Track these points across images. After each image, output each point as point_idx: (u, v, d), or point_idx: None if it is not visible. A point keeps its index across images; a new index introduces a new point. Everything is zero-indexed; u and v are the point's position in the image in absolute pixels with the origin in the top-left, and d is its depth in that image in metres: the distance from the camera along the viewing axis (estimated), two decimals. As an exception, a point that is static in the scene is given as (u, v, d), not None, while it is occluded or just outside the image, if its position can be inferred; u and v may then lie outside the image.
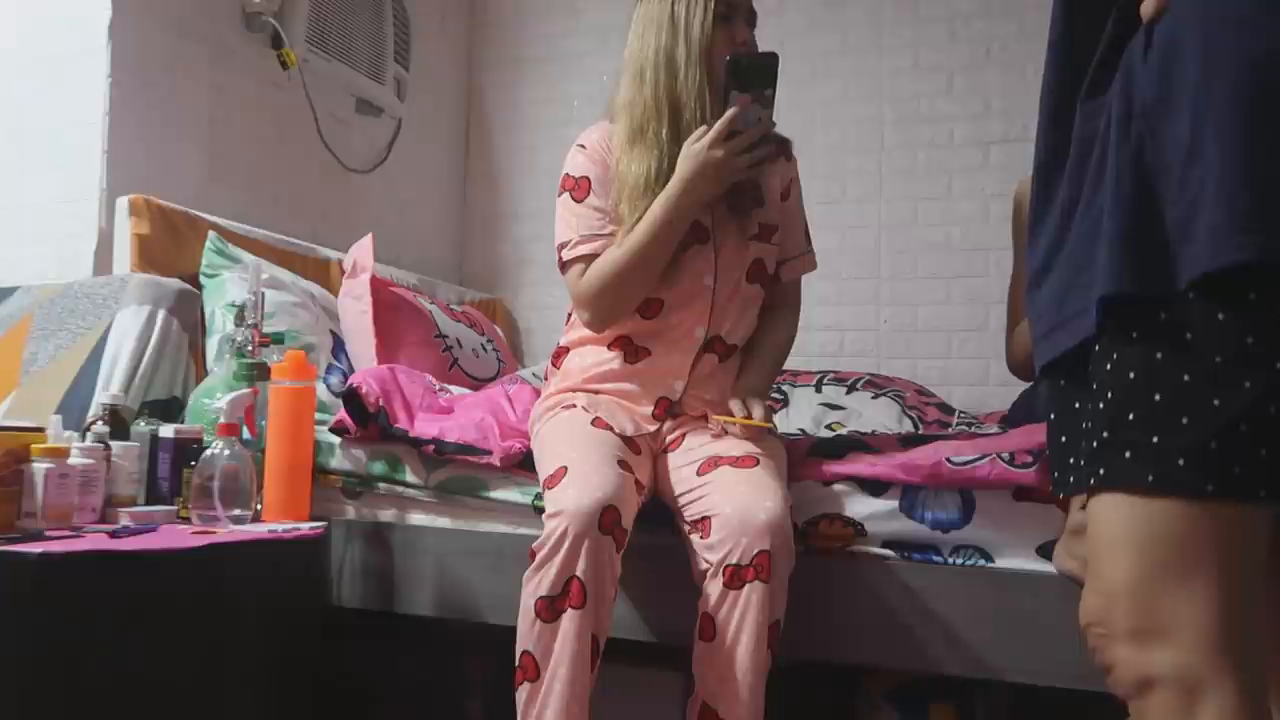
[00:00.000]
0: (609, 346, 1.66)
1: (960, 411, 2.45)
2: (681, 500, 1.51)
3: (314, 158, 2.79)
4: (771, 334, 1.72)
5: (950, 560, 1.50)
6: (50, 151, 2.24)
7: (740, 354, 1.70)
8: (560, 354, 1.75)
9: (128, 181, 2.20)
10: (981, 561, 1.49)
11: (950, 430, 2.21)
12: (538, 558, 1.38)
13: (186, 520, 1.69)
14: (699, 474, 1.50)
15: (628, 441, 1.57)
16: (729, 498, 1.41)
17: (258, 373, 1.83)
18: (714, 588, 1.38)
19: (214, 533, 1.58)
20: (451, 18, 3.47)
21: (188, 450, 1.75)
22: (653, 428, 1.62)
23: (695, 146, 1.49)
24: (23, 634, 1.24)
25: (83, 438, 1.70)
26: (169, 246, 2.16)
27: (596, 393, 1.65)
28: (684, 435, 1.62)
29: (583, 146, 1.66)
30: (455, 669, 2.03)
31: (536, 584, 1.37)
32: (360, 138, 3.00)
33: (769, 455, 1.52)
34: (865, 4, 3.12)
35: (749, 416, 1.55)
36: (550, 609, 1.36)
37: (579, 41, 3.41)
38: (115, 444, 1.71)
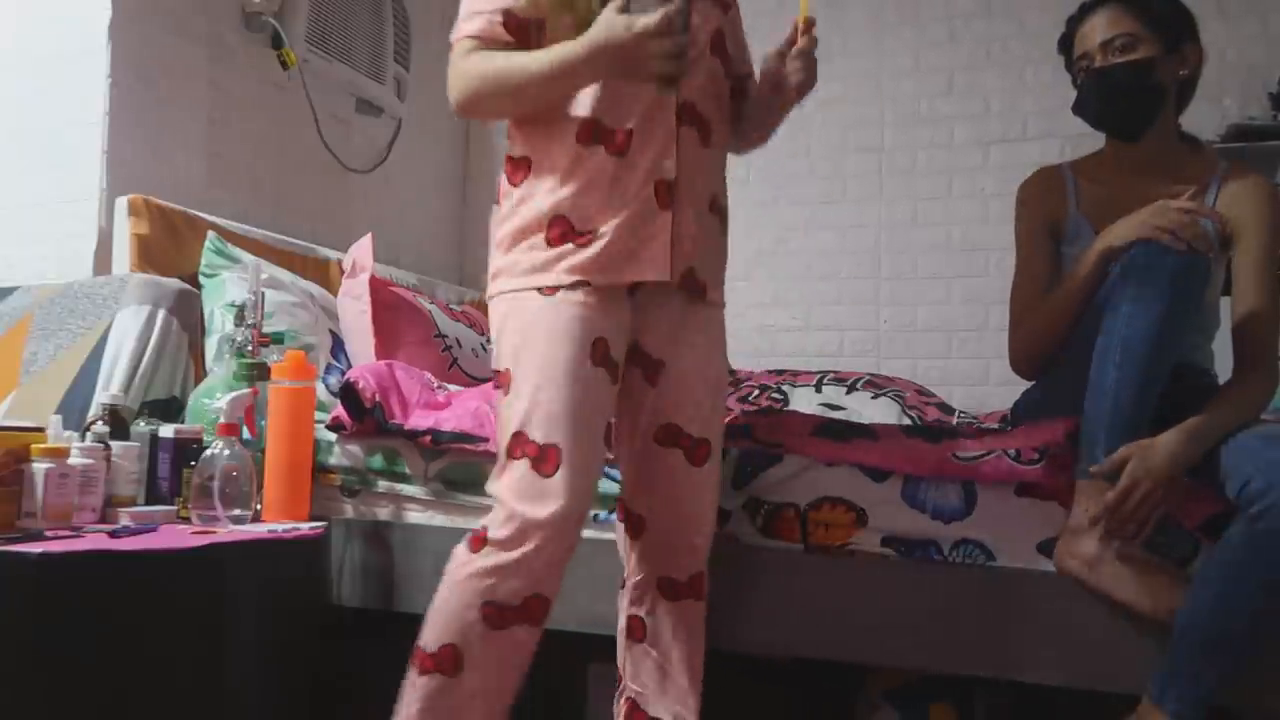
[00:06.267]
0: (578, 138, 1.34)
1: (960, 411, 2.45)
2: (627, 469, 1.44)
3: (314, 158, 2.79)
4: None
5: (950, 557, 1.50)
6: (50, 151, 2.23)
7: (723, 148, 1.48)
8: (520, 166, 1.39)
9: (127, 181, 2.20)
10: (982, 558, 1.49)
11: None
12: (498, 557, 1.25)
13: (186, 520, 1.69)
14: (655, 440, 1.39)
15: (612, 370, 1.33)
16: (671, 507, 1.40)
17: (257, 373, 1.83)
18: (649, 595, 1.41)
19: (214, 533, 1.58)
20: (452, 17, 3.45)
21: (188, 450, 1.75)
22: (663, 275, 1.34)
23: (616, 18, 1.23)
24: (23, 634, 1.24)
25: (83, 438, 1.70)
26: (168, 246, 2.16)
27: (579, 237, 1.32)
28: (663, 365, 1.40)
29: None
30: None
31: (490, 586, 1.25)
32: (360, 138, 3.00)
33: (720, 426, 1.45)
34: (866, 5, 3.12)
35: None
36: (500, 617, 1.25)
37: (579, 42, 3.41)
38: (115, 444, 1.71)
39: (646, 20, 1.20)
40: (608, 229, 1.31)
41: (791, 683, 1.90)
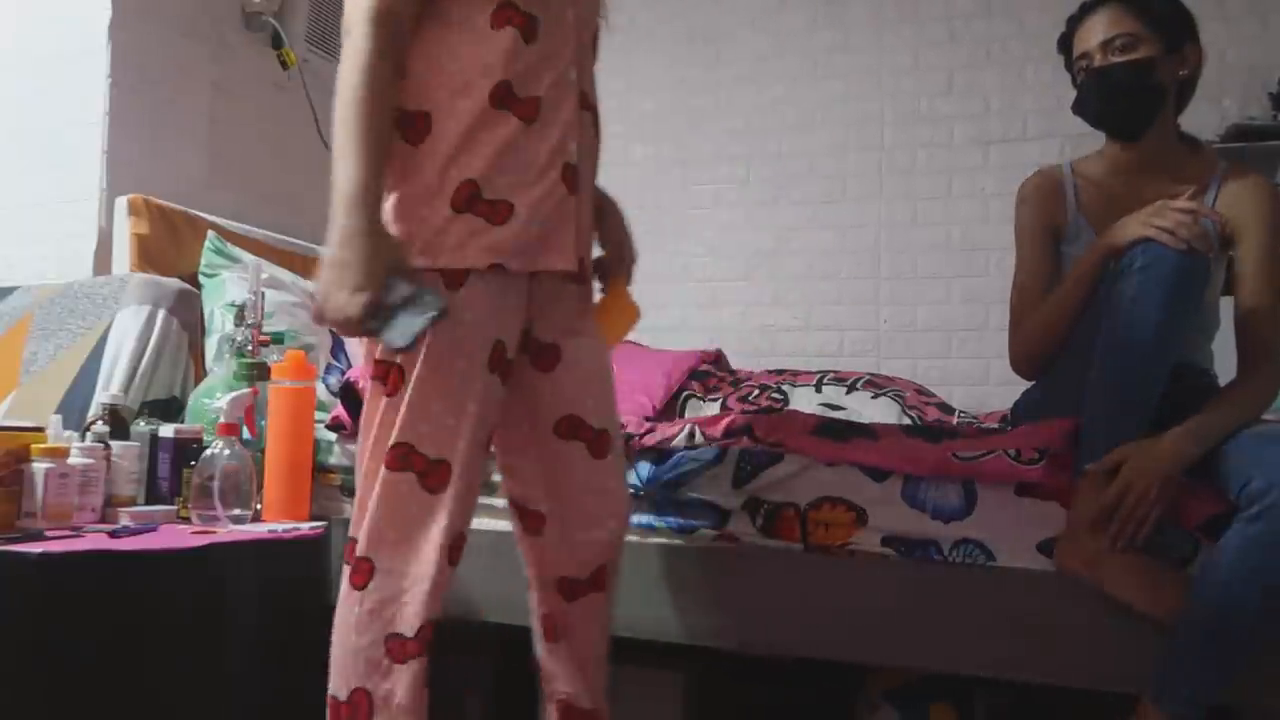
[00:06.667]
0: (490, 99, 1.22)
1: (960, 411, 2.45)
2: (517, 463, 1.38)
3: (314, 158, 2.78)
4: None
5: (950, 557, 1.50)
6: (50, 151, 2.24)
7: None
8: (416, 120, 1.23)
9: (127, 181, 2.20)
10: (982, 558, 1.48)
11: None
12: (390, 586, 1.21)
13: (186, 520, 1.69)
14: (555, 432, 1.33)
15: (505, 371, 1.26)
16: (574, 503, 1.34)
17: (258, 372, 1.83)
18: (550, 596, 1.36)
19: (214, 533, 1.58)
20: (451, 18, 3.46)
21: (188, 450, 1.75)
22: (570, 265, 1.28)
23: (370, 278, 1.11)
24: (23, 634, 1.24)
25: (83, 438, 1.70)
26: (168, 246, 2.17)
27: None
28: (559, 352, 1.34)
29: None
30: (455, 669, 2.02)
31: (387, 619, 1.21)
32: (360, 138, 3.00)
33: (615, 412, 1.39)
34: (866, 3, 3.12)
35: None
36: (402, 650, 1.21)
37: (579, 41, 3.41)
38: (115, 444, 1.72)
39: (371, 317, 1.10)
40: (521, 208, 1.22)
41: (791, 683, 1.90)
